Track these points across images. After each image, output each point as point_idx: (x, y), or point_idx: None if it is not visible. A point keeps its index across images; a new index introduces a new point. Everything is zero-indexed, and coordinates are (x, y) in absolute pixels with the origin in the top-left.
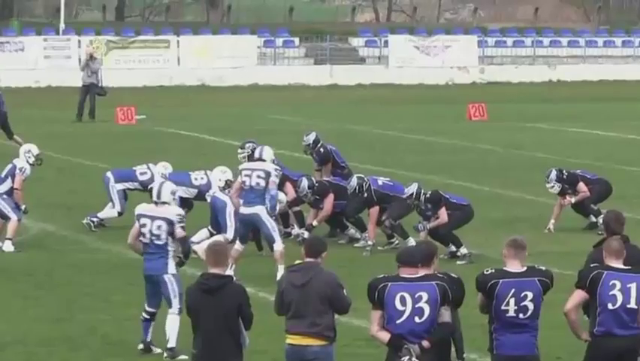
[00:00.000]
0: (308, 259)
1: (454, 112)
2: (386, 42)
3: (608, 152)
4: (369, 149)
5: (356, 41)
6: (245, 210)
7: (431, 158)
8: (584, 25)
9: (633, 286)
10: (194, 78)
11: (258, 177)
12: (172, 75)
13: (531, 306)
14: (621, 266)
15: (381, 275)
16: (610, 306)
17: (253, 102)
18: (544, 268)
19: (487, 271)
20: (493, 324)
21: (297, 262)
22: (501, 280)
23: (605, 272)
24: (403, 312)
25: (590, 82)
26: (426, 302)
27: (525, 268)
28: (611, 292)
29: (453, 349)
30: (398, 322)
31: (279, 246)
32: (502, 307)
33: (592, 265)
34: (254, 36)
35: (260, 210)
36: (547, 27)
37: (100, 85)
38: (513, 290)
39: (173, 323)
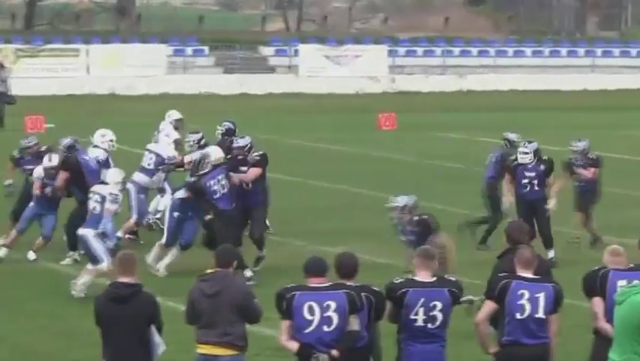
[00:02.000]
0: (218, 269)
1: (365, 121)
2: (296, 51)
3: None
4: (279, 158)
5: (266, 50)
6: None
7: (341, 167)
8: (493, 35)
9: (541, 296)
10: (104, 87)
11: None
12: (82, 84)
13: (440, 316)
14: (530, 276)
15: (290, 285)
16: (518, 315)
17: (163, 111)
18: (453, 278)
19: (396, 280)
20: (401, 334)
21: (208, 271)
22: (410, 290)
23: (514, 281)
24: (311, 321)
25: (500, 91)
26: (334, 311)
27: (435, 278)
28: (519, 302)
29: None
30: (307, 331)
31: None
32: (411, 317)
33: (501, 275)
34: (164, 45)
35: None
36: (457, 37)
37: (9, 93)
38: (422, 300)
39: None
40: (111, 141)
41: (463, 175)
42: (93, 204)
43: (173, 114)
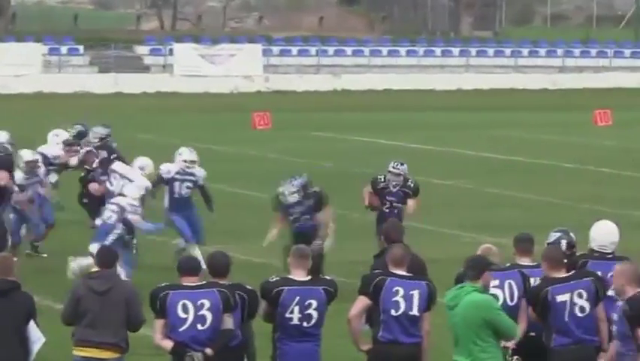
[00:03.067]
0: (103, 269)
1: (239, 120)
2: (171, 50)
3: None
4: (155, 158)
5: (141, 49)
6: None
7: (216, 166)
8: (368, 35)
9: (415, 294)
10: None
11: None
12: None
13: (315, 314)
14: (404, 273)
15: (163, 284)
16: (393, 313)
17: (38, 111)
18: (329, 277)
19: (272, 278)
20: (276, 332)
21: (94, 270)
22: (286, 288)
23: (389, 278)
24: (185, 320)
25: (374, 91)
26: (208, 310)
27: (309, 277)
28: (394, 299)
29: None
30: (181, 330)
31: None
32: (287, 315)
33: (375, 271)
34: (39, 44)
35: None
36: (332, 36)
37: None
38: (297, 298)
39: None
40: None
41: (335, 173)
42: (109, 213)
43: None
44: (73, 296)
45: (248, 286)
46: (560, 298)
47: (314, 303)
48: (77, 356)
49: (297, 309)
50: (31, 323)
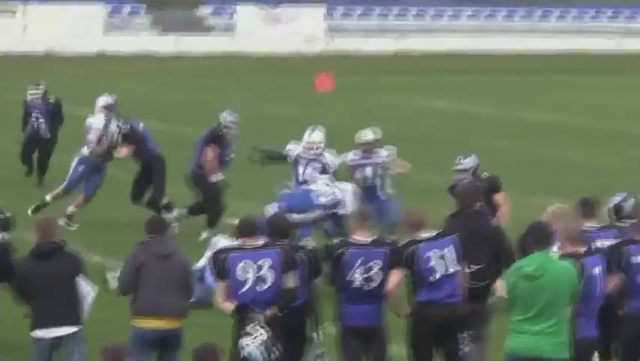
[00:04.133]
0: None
1: (301, 83)
2: (233, 11)
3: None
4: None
5: (203, 10)
6: None
7: (278, 129)
8: None
9: (448, 252)
10: (40, 47)
11: None
12: (18, 43)
13: (378, 276)
14: (430, 234)
15: (224, 246)
16: (431, 278)
17: (100, 72)
18: (390, 239)
19: (335, 240)
20: (339, 295)
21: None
22: (349, 249)
23: (420, 246)
24: (245, 281)
25: (437, 53)
26: (268, 270)
27: (372, 239)
28: (429, 265)
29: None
30: (242, 291)
31: None
32: (349, 277)
33: (405, 243)
34: (100, 5)
35: None
36: None
37: None
38: (360, 259)
39: None
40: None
41: (400, 137)
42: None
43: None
44: (134, 263)
45: (310, 246)
46: (635, 259)
47: (377, 265)
48: (142, 328)
49: (359, 271)
50: (80, 279)
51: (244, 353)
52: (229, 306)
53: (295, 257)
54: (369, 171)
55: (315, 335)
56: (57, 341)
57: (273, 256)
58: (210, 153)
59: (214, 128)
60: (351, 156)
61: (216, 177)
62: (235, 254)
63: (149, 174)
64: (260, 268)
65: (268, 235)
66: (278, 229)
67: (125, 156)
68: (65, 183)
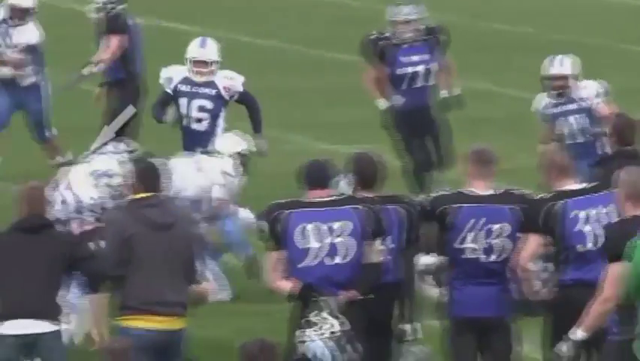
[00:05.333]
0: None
1: None
2: None
3: None
4: None
5: None
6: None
7: None
8: None
9: (606, 212)
10: None
11: None
12: None
13: (502, 244)
14: (581, 186)
15: (281, 200)
16: (579, 248)
17: None
18: (521, 191)
19: (438, 191)
20: (449, 269)
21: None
22: (460, 206)
23: (568, 201)
24: (310, 251)
25: None
26: (345, 236)
27: (494, 191)
28: (576, 228)
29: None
30: (305, 265)
31: None
32: (459, 245)
33: (544, 196)
34: None
35: None
36: None
37: None
38: (476, 220)
39: None
40: None
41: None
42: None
43: None
44: (119, 234)
45: (406, 199)
46: None
47: (501, 228)
48: (136, 329)
49: (474, 236)
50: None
51: (306, 350)
52: (287, 286)
53: (382, 217)
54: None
55: (408, 327)
56: (28, 340)
57: (352, 217)
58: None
59: None
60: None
61: None
62: (298, 212)
63: None
64: (332, 233)
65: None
66: (365, 175)
67: None
68: None
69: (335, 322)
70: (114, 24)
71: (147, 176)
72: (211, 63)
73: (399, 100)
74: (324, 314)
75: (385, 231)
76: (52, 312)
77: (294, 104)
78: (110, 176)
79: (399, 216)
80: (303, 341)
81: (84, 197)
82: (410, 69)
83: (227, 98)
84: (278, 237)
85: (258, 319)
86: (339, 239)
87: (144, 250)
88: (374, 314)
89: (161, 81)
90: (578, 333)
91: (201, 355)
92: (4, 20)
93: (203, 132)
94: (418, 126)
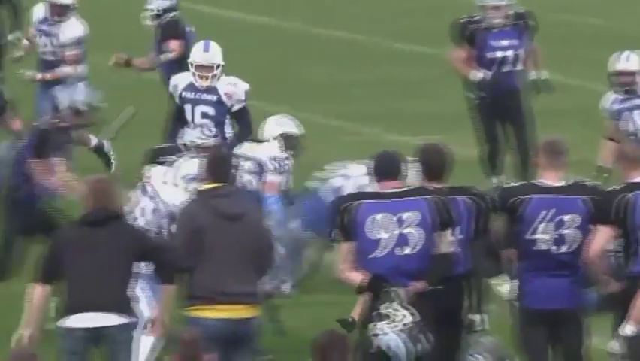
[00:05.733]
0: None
1: None
2: None
3: None
4: None
5: None
6: None
7: None
8: None
9: None
10: None
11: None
12: None
13: (573, 235)
14: None
15: (351, 192)
16: None
17: None
18: (592, 182)
19: (510, 182)
20: (519, 262)
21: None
22: (533, 197)
23: (638, 193)
24: (381, 242)
25: None
26: (415, 226)
27: (566, 183)
28: None
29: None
30: (375, 256)
31: None
32: (530, 236)
33: (615, 188)
34: None
35: None
36: None
37: None
38: (547, 212)
39: None
40: None
41: None
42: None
43: None
44: (191, 224)
45: (474, 190)
46: None
47: (572, 219)
48: (205, 319)
49: (545, 227)
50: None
51: (379, 342)
52: (356, 277)
53: (451, 207)
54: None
55: (477, 317)
56: (96, 334)
57: (422, 207)
58: None
59: None
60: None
61: None
62: (368, 203)
63: None
64: (402, 223)
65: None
66: (433, 166)
67: None
68: None
69: (406, 313)
70: (174, 30)
71: (217, 166)
72: (215, 67)
73: (482, 75)
74: (395, 305)
75: (455, 221)
76: (120, 304)
77: (364, 95)
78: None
79: (467, 207)
80: (377, 335)
81: (175, 202)
82: (499, 53)
83: (228, 105)
84: (347, 228)
85: (332, 309)
86: (408, 230)
87: (213, 241)
88: (444, 305)
89: (170, 90)
90: (627, 328)
91: (274, 346)
92: (45, 19)
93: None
94: (502, 111)
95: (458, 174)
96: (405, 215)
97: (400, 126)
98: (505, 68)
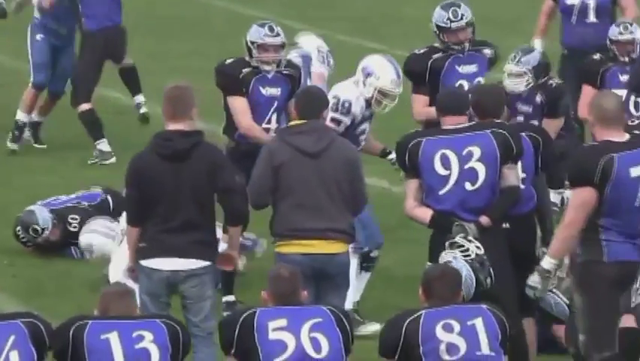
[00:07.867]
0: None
1: None
2: None
3: None
4: None
5: None
6: None
7: None
8: None
9: None
10: None
11: None
12: None
13: None
14: (625, 139)
15: (415, 130)
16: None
17: None
18: None
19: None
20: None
21: (298, 121)
22: (614, 156)
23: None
24: (447, 178)
25: None
26: (479, 160)
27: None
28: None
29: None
30: (442, 192)
31: None
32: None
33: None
34: None
35: None
36: None
37: None
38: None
39: None
40: None
41: None
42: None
43: None
44: (271, 162)
45: (536, 126)
46: None
47: None
48: (292, 253)
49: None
50: None
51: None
52: (424, 213)
53: (518, 141)
54: None
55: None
56: (176, 276)
57: (486, 141)
58: None
59: None
60: None
61: None
62: (434, 140)
63: None
64: (467, 157)
65: (475, 112)
66: (488, 104)
67: None
68: None
69: (478, 245)
70: None
71: (303, 103)
72: None
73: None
74: (469, 237)
75: (517, 155)
76: (201, 246)
77: None
78: None
79: (531, 144)
80: (449, 261)
81: None
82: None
83: None
84: (414, 165)
85: (422, 249)
86: (476, 164)
87: (293, 178)
88: (514, 244)
89: None
90: (545, 261)
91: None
92: None
93: None
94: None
95: None
96: (472, 149)
97: None
98: (588, 19)
